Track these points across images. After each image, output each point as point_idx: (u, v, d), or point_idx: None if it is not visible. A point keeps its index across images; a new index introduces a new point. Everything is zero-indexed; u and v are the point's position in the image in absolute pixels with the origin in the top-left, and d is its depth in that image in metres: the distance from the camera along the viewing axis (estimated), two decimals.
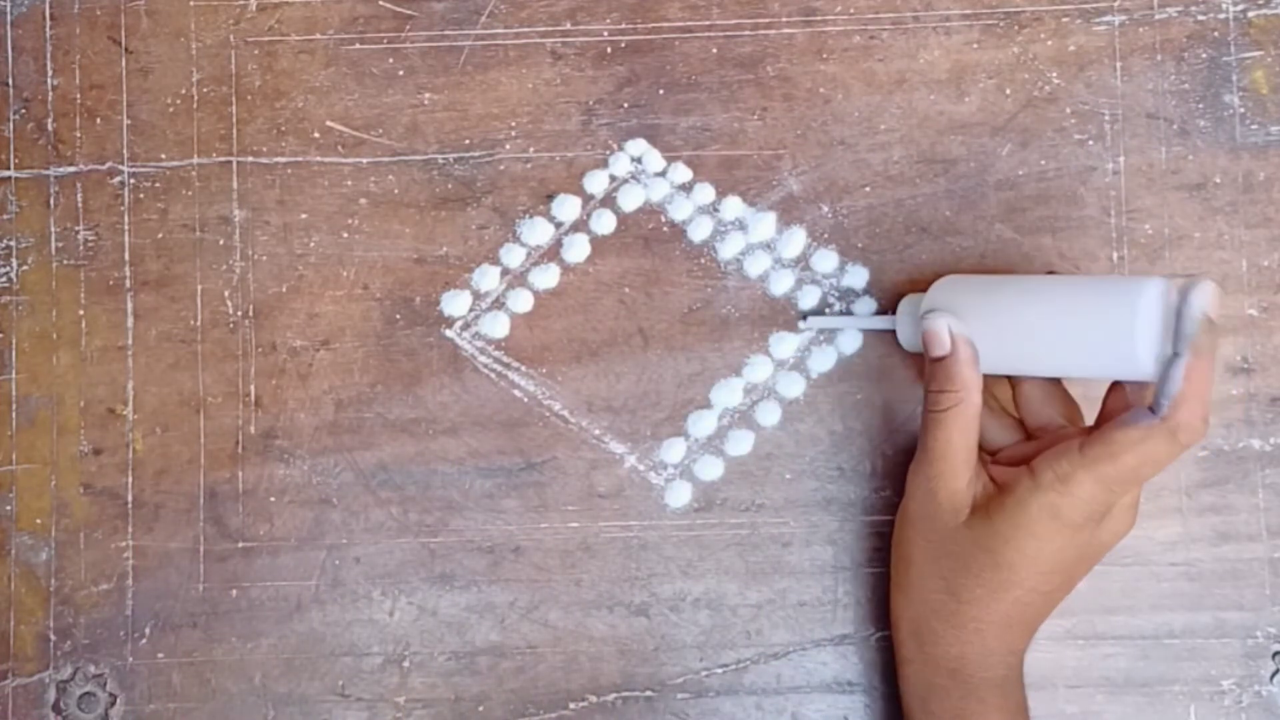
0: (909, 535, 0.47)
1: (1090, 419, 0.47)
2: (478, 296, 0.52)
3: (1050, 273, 0.50)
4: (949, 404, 0.44)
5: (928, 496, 0.45)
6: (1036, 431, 0.47)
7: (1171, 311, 0.41)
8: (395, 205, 0.52)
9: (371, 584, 0.51)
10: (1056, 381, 0.48)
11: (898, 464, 0.51)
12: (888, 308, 0.51)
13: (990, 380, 0.47)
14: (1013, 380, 0.48)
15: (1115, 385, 0.45)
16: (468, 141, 0.52)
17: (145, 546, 0.52)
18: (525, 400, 0.52)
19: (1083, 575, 0.46)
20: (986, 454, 0.47)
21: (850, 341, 0.51)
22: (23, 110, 0.53)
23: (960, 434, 0.45)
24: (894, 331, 0.49)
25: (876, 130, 0.52)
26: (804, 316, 0.51)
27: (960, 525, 0.45)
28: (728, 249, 0.52)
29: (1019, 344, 0.45)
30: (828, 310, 0.51)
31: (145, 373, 0.52)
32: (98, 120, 0.53)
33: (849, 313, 0.51)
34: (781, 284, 0.52)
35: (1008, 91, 0.52)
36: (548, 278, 0.52)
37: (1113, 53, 0.51)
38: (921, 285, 0.51)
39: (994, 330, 0.45)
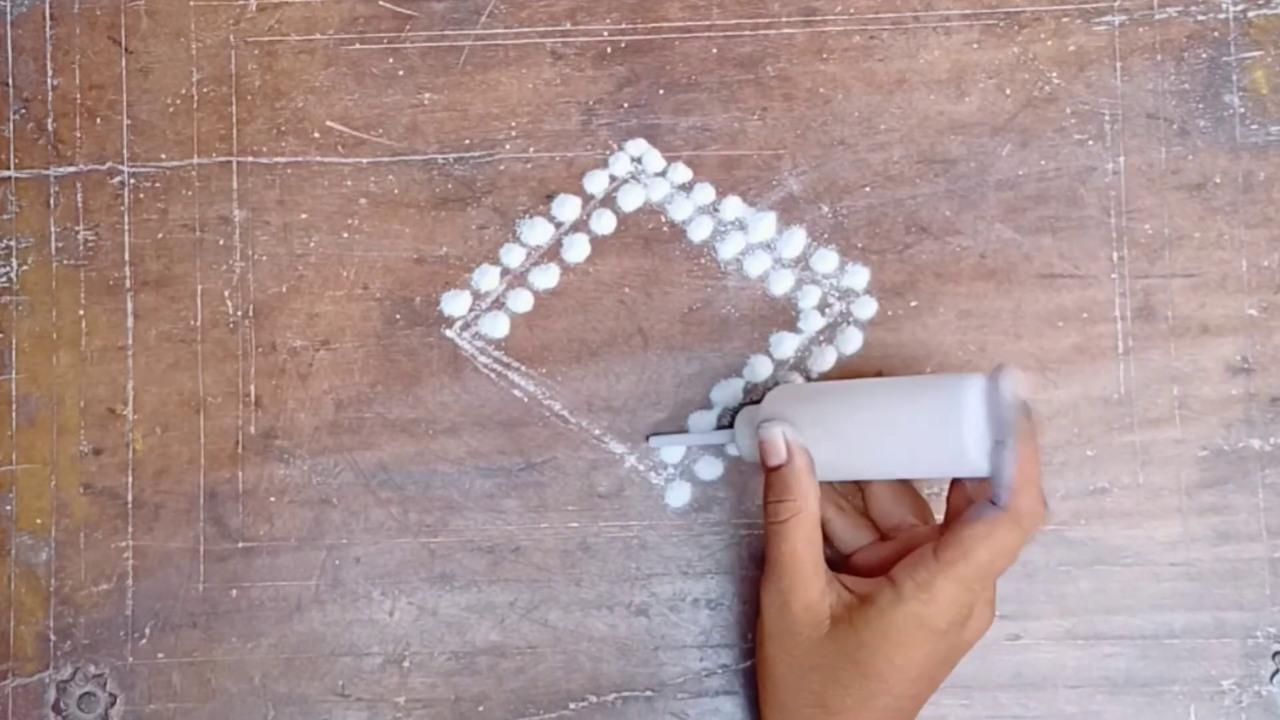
0: (772, 653, 0.46)
1: (939, 514, 0.48)
2: (478, 296, 0.52)
3: (879, 374, 0.50)
4: (788, 514, 0.45)
5: (783, 611, 0.45)
6: (890, 531, 0.48)
7: (993, 404, 0.41)
8: (395, 205, 0.52)
9: (371, 584, 0.51)
10: (904, 481, 0.48)
11: None
12: (887, 308, 0.51)
13: (841, 483, 0.46)
14: (861, 482, 0.49)
15: (955, 482, 0.46)
16: (468, 141, 0.52)
17: (145, 546, 0.52)
18: (525, 400, 0.52)
19: (946, 676, 0.45)
20: (843, 557, 0.48)
21: (850, 341, 0.51)
22: (23, 110, 0.53)
23: (804, 544, 0.45)
24: (738, 431, 0.48)
25: (876, 130, 0.52)
26: (647, 438, 0.51)
27: (823, 637, 0.44)
28: (728, 249, 0.52)
29: (855, 450, 0.45)
30: (826, 310, 0.51)
31: (145, 373, 0.52)
32: (98, 120, 0.52)
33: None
34: (781, 284, 0.52)
35: (1008, 91, 0.52)
36: (548, 278, 0.52)
37: (1113, 53, 0.51)
38: (921, 285, 0.51)
39: (829, 438, 0.45)
